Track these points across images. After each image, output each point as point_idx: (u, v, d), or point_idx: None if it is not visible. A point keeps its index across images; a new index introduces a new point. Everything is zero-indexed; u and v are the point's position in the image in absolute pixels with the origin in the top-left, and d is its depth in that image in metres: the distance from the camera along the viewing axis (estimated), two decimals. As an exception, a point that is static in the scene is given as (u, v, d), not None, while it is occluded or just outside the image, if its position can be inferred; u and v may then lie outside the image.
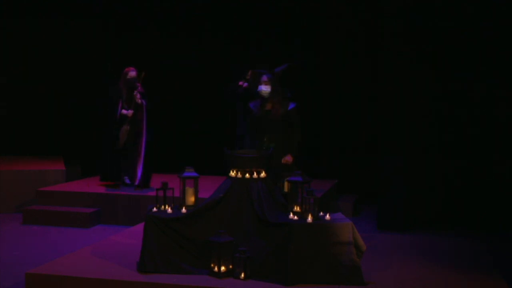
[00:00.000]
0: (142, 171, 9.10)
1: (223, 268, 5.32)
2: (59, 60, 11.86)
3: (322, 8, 10.77)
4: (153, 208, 5.74)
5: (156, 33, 11.49)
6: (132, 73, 9.04)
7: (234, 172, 5.65)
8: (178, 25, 11.41)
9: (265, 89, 6.62)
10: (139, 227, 6.91)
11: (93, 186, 9.36)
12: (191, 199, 5.78)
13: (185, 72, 11.30)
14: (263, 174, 5.65)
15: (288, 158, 6.57)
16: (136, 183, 9.06)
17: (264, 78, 6.64)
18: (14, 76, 11.96)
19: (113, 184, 9.20)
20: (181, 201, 5.77)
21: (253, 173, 5.61)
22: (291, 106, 6.65)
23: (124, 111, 8.99)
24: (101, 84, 10.40)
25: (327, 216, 5.43)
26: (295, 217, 5.39)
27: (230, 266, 5.35)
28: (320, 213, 5.47)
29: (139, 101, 8.99)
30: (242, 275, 5.28)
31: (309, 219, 5.34)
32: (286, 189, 6.02)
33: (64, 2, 11.62)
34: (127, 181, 9.25)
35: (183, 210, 5.67)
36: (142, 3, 11.51)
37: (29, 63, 11.93)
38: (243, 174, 5.61)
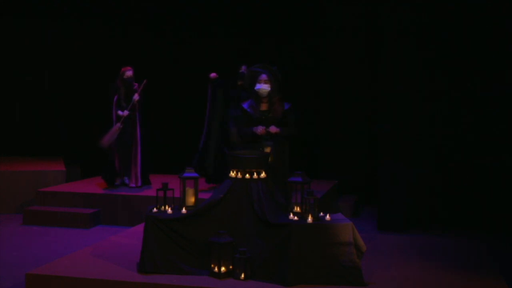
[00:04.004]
0: (141, 170, 9.15)
1: (223, 268, 5.32)
2: (59, 61, 11.87)
3: (322, 7, 10.78)
4: (153, 208, 5.74)
5: (156, 33, 11.50)
6: (129, 73, 9.11)
7: (234, 172, 5.65)
8: (178, 25, 11.42)
9: (265, 87, 6.39)
10: (139, 227, 6.91)
11: (93, 186, 9.37)
12: (191, 200, 5.78)
13: (185, 72, 11.30)
14: (263, 175, 5.65)
15: (272, 128, 6.34)
16: (139, 184, 9.12)
17: (264, 76, 6.37)
18: (14, 76, 11.97)
19: (112, 183, 9.24)
20: (181, 201, 5.77)
21: (253, 174, 5.61)
22: (286, 106, 6.55)
23: (119, 112, 9.05)
24: (101, 83, 10.41)
25: (327, 217, 5.44)
26: (295, 218, 5.39)
27: (230, 267, 5.35)
28: (320, 213, 5.47)
29: (136, 102, 9.05)
30: (242, 275, 5.28)
31: (309, 219, 5.34)
32: (271, 158, 6.02)
33: (63, 3, 11.62)
34: (127, 181, 9.27)
35: (183, 210, 5.66)
36: (140, 3, 11.51)
37: (29, 64, 11.93)
38: (243, 175, 5.61)
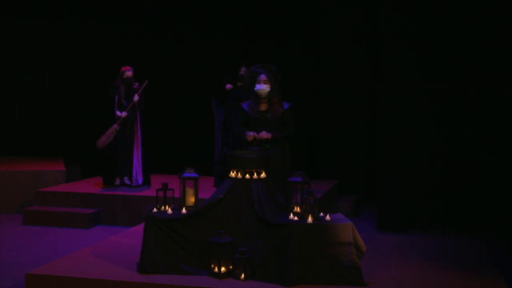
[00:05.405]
0: (143, 169, 9.17)
1: (223, 268, 5.32)
2: (59, 61, 11.87)
3: (322, 8, 10.78)
4: (153, 208, 5.74)
5: (156, 33, 11.49)
6: (129, 73, 9.13)
7: (234, 172, 5.65)
8: (178, 25, 11.41)
9: (265, 88, 6.35)
10: (139, 227, 6.91)
11: (93, 186, 9.37)
12: (191, 200, 5.78)
13: (185, 72, 11.30)
14: (263, 175, 5.65)
15: (263, 134, 6.25)
16: (140, 183, 9.15)
17: (263, 77, 6.31)
18: (14, 76, 11.96)
19: (110, 182, 9.24)
20: (181, 201, 5.77)
21: (253, 174, 5.61)
22: (286, 106, 6.51)
23: (118, 113, 9.06)
24: (101, 83, 10.41)
25: (327, 217, 5.44)
26: (295, 218, 5.39)
27: (230, 267, 5.35)
28: (320, 213, 5.47)
29: (136, 103, 9.07)
30: (242, 275, 5.28)
31: (309, 219, 5.34)
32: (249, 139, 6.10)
33: (63, 3, 11.62)
34: (127, 181, 9.27)
35: (183, 210, 5.66)
36: (140, 3, 11.51)
37: (29, 64, 11.93)
38: (243, 175, 5.61)
